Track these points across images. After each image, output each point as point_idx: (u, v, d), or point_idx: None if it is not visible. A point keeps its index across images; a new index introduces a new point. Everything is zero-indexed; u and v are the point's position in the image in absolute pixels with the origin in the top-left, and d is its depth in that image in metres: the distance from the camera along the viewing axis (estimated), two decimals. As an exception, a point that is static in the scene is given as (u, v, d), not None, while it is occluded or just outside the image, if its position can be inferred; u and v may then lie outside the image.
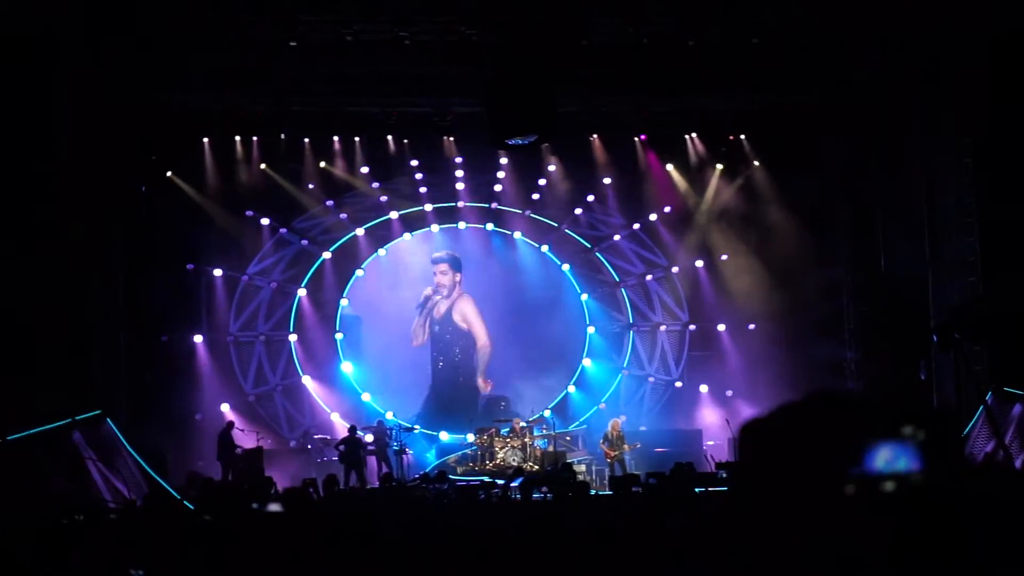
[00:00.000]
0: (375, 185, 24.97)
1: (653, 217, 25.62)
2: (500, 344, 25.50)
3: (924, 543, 1.99)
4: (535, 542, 7.20)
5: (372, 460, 22.29)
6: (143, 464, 18.51)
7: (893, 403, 2.02)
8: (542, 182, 25.42)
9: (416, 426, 23.80)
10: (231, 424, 21.92)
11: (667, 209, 25.47)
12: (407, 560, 7.05)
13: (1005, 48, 18.33)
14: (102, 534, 11.08)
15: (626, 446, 22.42)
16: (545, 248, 25.86)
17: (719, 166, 25.10)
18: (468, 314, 25.87)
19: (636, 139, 25.00)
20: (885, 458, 1.96)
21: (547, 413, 24.69)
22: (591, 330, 25.84)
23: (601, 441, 22.64)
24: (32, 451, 17.05)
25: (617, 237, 25.88)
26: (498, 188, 25.56)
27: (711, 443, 22.84)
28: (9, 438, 16.60)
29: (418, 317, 25.54)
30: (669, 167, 25.12)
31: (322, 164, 24.40)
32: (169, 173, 23.37)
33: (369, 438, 22.49)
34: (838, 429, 1.99)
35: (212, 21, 19.90)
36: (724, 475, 17.53)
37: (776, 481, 2.04)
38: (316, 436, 23.64)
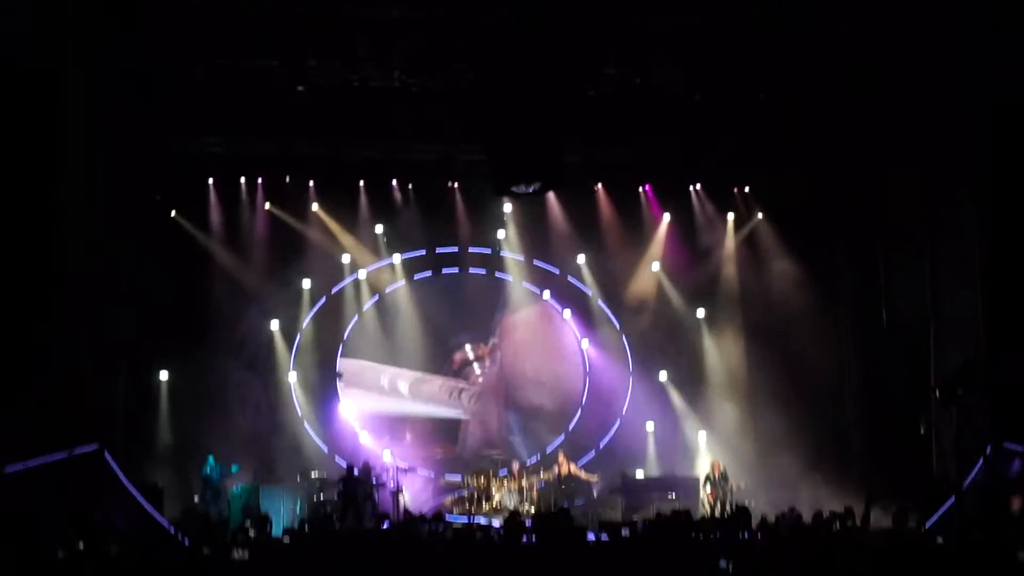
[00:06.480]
0: (378, 229, 25.06)
1: (656, 267, 25.64)
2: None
3: None
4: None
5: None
6: (139, 499, 18.43)
7: None
8: (545, 230, 25.46)
9: (415, 466, 23.73)
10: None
11: (670, 259, 25.53)
12: None
13: (1006, 100, 18.46)
14: (102, 566, 11.06)
15: (730, 484, 22.17)
16: (547, 294, 25.88)
17: (731, 215, 25.26)
18: None
19: (640, 189, 25.12)
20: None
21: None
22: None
23: (703, 483, 22.37)
24: (29, 484, 16.97)
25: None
26: (501, 235, 25.63)
27: (709, 491, 22.71)
28: (8, 470, 16.52)
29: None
30: (667, 216, 25.24)
31: (315, 207, 24.49)
32: (173, 213, 23.50)
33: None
34: None
35: (222, 64, 20.13)
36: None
37: None
38: (313, 475, 23.53)
